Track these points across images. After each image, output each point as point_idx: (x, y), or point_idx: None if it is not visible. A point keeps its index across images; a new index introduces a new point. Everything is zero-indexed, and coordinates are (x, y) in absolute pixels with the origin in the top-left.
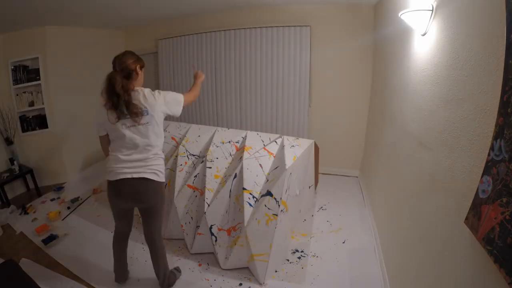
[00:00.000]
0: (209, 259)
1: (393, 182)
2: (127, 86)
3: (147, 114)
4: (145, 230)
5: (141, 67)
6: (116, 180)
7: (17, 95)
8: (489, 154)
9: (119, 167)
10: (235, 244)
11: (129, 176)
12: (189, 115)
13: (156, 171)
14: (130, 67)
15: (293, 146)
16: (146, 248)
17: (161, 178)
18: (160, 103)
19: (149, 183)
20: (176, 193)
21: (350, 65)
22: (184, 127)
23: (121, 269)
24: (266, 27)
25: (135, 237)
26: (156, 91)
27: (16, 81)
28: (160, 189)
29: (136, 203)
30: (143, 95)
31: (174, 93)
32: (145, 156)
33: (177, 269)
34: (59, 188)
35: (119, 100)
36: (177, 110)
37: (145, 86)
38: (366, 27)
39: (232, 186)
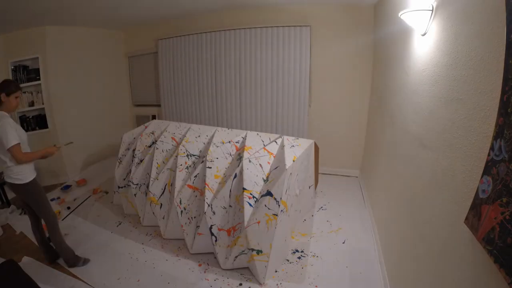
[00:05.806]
0: (209, 259)
1: (393, 182)
2: None
3: None
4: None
5: (7, 94)
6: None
7: None
8: (489, 154)
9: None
10: (235, 244)
11: (8, 180)
12: (189, 115)
13: (17, 176)
14: None
15: (293, 146)
16: (146, 248)
17: (23, 180)
18: None
19: (16, 187)
20: (176, 193)
21: (350, 65)
22: (184, 127)
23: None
24: (266, 27)
25: (134, 237)
26: (4, 121)
27: (16, 81)
28: (26, 189)
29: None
30: None
31: (8, 136)
32: (6, 166)
33: (85, 260)
34: (66, 187)
35: None
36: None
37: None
38: (366, 27)
39: (232, 186)
